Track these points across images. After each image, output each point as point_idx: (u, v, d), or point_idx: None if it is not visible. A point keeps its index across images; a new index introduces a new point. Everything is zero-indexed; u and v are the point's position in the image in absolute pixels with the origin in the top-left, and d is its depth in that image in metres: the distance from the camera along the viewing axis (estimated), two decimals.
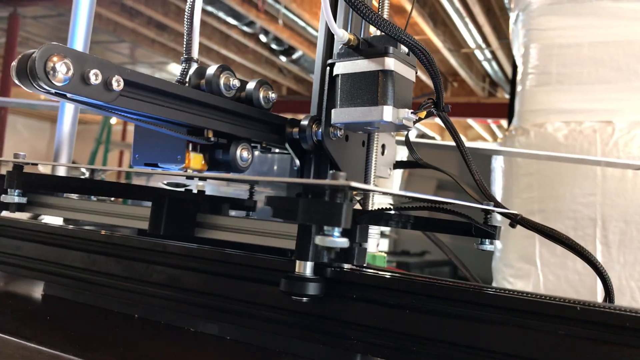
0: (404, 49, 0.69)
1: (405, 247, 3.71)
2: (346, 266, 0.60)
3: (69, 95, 0.54)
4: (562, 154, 1.87)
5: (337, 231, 0.49)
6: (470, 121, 8.47)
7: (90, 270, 0.75)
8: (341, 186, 0.48)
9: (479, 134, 9.35)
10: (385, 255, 0.99)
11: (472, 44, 5.92)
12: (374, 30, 0.75)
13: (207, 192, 0.90)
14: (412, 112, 0.68)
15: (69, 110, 1.11)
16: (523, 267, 1.96)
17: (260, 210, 0.92)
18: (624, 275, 1.80)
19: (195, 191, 0.93)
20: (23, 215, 0.96)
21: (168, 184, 1.04)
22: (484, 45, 5.89)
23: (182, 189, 0.94)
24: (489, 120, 8.32)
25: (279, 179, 0.82)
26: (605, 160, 1.81)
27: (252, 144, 0.77)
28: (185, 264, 0.68)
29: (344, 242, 0.49)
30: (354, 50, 0.70)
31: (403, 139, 0.88)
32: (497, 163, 2.15)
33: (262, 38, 6.48)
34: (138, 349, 0.61)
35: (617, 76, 1.92)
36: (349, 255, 0.60)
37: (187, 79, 0.76)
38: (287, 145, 0.78)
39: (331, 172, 0.49)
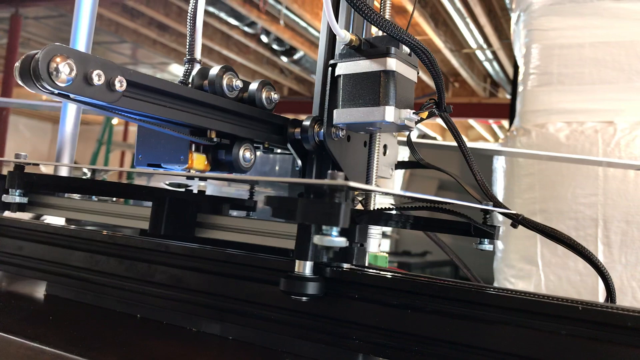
0: (406, 49, 0.69)
1: (406, 247, 3.71)
2: (346, 266, 0.60)
3: (72, 95, 0.55)
4: (564, 155, 1.87)
5: (335, 230, 0.49)
6: (471, 121, 8.47)
7: (93, 270, 0.76)
8: (339, 186, 0.48)
9: (481, 134, 9.35)
10: (387, 255, 0.99)
11: (473, 44, 5.92)
12: (375, 31, 0.75)
13: (209, 193, 0.90)
14: (414, 113, 0.69)
15: (71, 111, 1.11)
16: (524, 268, 1.95)
17: (261, 210, 0.92)
18: (626, 275, 1.80)
19: (196, 191, 0.93)
20: (25, 216, 0.96)
21: (170, 184, 1.04)
22: (485, 46, 5.89)
23: (184, 189, 0.94)
24: (490, 121, 8.32)
25: (279, 179, 0.82)
26: (606, 161, 1.81)
27: (255, 145, 0.77)
28: (187, 264, 0.69)
29: (342, 241, 0.49)
30: (356, 50, 0.70)
31: (405, 139, 0.88)
32: (499, 163, 2.15)
33: (264, 38, 6.48)
34: (140, 348, 0.61)
35: (619, 76, 1.92)
36: (349, 255, 0.60)
37: (190, 80, 0.76)
38: (289, 146, 0.78)
39: (330, 172, 0.49)
